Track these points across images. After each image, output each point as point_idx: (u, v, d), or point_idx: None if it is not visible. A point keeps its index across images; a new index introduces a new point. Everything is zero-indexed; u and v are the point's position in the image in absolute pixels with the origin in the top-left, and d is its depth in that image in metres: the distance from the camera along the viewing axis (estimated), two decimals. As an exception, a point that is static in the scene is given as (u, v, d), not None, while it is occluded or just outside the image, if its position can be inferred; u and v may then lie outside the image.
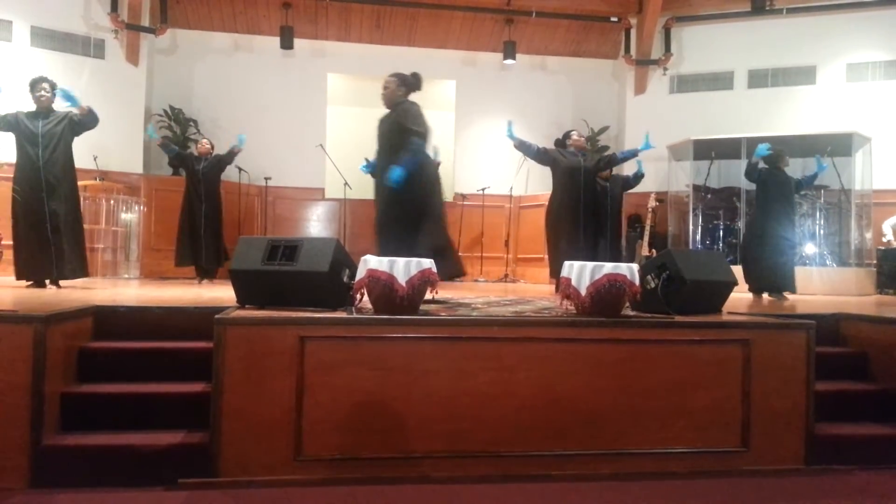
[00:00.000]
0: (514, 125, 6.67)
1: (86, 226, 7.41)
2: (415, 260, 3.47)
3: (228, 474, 3.06)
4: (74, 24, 8.52)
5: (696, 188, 9.06)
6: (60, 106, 5.58)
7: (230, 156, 7.67)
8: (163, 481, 2.99)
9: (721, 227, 8.98)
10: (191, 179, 7.55)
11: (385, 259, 3.42)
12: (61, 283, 5.55)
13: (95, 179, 7.84)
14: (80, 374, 3.45)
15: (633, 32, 9.91)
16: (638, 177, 7.70)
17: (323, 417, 3.16)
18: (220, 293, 5.28)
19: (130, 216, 8.46)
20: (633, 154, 6.88)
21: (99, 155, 7.91)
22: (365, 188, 8.41)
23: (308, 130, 9.56)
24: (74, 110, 5.50)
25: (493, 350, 3.30)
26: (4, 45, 8.01)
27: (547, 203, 6.94)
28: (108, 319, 3.73)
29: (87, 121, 5.57)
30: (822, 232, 8.60)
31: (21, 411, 3.00)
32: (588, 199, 6.57)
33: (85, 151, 6.20)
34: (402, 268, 3.38)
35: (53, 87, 5.52)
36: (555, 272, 6.63)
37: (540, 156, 6.74)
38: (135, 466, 3.04)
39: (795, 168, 8.59)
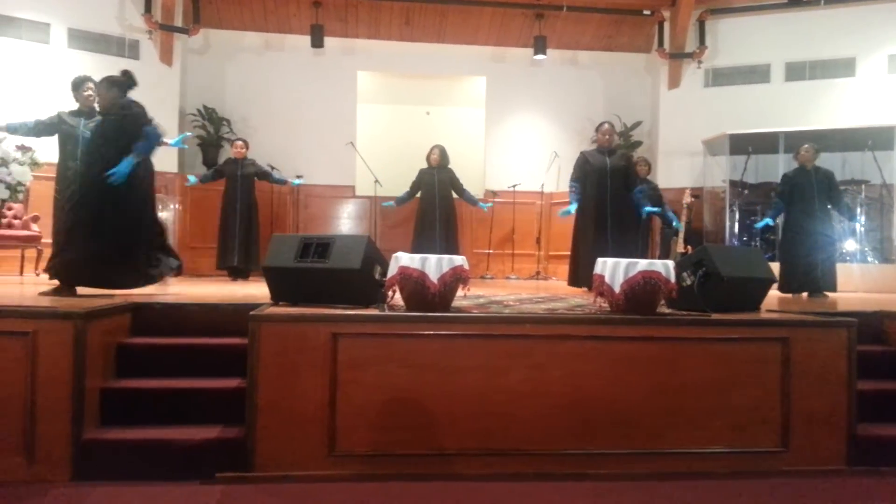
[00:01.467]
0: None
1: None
2: (447, 257, 3.47)
3: (263, 469, 3.10)
4: (110, 26, 8.67)
5: (733, 183, 8.90)
6: None
7: (272, 178, 8.00)
8: (200, 475, 3.03)
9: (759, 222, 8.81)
10: (229, 183, 7.71)
11: (417, 256, 3.42)
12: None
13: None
14: (118, 369, 3.52)
15: (666, 25, 9.75)
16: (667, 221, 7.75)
17: (355, 413, 3.17)
18: (254, 290, 5.34)
19: (166, 215, 8.60)
20: (638, 209, 6.51)
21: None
22: (395, 186, 8.47)
23: (338, 128, 9.61)
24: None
25: (525, 347, 3.28)
26: (43, 48, 8.18)
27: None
28: (145, 316, 3.80)
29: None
30: (863, 228, 8.38)
31: (63, 406, 3.07)
32: (614, 200, 6.36)
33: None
34: (434, 265, 3.37)
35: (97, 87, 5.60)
36: (573, 279, 6.54)
37: (580, 179, 6.54)
38: (172, 460, 3.09)
39: (835, 162, 8.43)
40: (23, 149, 7.04)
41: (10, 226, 6.88)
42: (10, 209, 6.96)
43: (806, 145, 6.53)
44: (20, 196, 7.02)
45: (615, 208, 6.35)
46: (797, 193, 6.38)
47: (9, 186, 6.75)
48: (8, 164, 6.72)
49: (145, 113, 4.57)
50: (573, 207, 6.53)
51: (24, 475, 3.02)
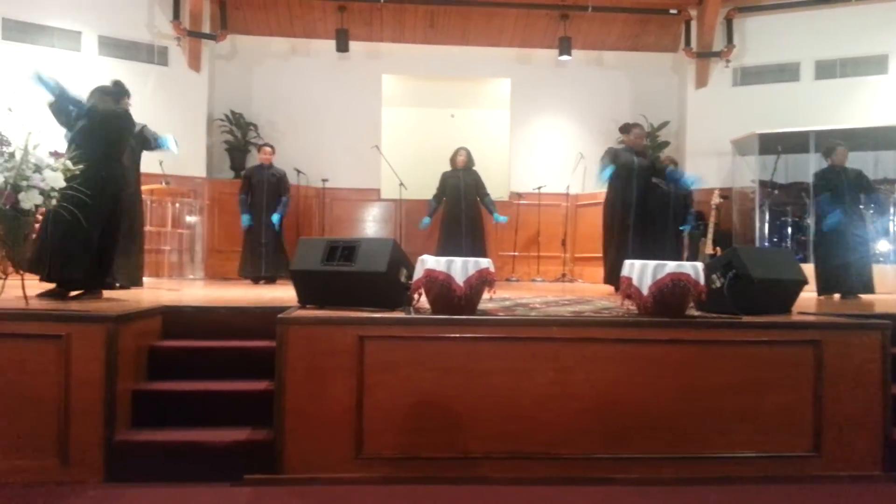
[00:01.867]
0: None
1: (153, 228, 7.69)
2: (472, 260, 3.46)
3: (292, 471, 3.12)
4: (139, 33, 8.81)
5: (763, 184, 8.77)
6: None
7: (286, 198, 7.76)
8: (229, 477, 3.06)
9: (789, 223, 8.68)
10: (255, 189, 7.66)
11: (443, 259, 3.43)
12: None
13: (161, 184, 8.09)
14: (150, 372, 3.57)
15: (693, 24, 9.65)
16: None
17: (382, 416, 3.18)
18: (282, 293, 5.38)
19: (194, 219, 8.71)
20: (683, 185, 6.52)
21: (164, 159, 8.16)
22: (420, 189, 8.48)
23: (364, 132, 9.65)
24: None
25: (551, 350, 3.27)
26: (74, 55, 8.34)
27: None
28: (175, 319, 3.85)
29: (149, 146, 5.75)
30: (896, 228, 8.21)
31: (95, 408, 3.12)
32: (640, 200, 6.31)
33: (151, 157, 6.40)
34: (460, 268, 3.37)
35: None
36: (607, 277, 6.52)
37: (611, 165, 6.45)
38: (202, 462, 3.13)
39: (867, 162, 8.26)
40: (56, 155, 7.18)
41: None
42: (42, 214, 7.09)
43: (841, 146, 6.41)
44: (53, 202, 7.14)
45: (640, 210, 6.31)
46: (831, 193, 6.27)
47: (42, 192, 6.87)
48: (42, 171, 6.85)
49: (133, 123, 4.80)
50: (609, 171, 6.35)
51: (58, 476, 3.07)
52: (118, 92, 4.77)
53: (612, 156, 6.52)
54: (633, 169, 6.35)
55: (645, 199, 6.38)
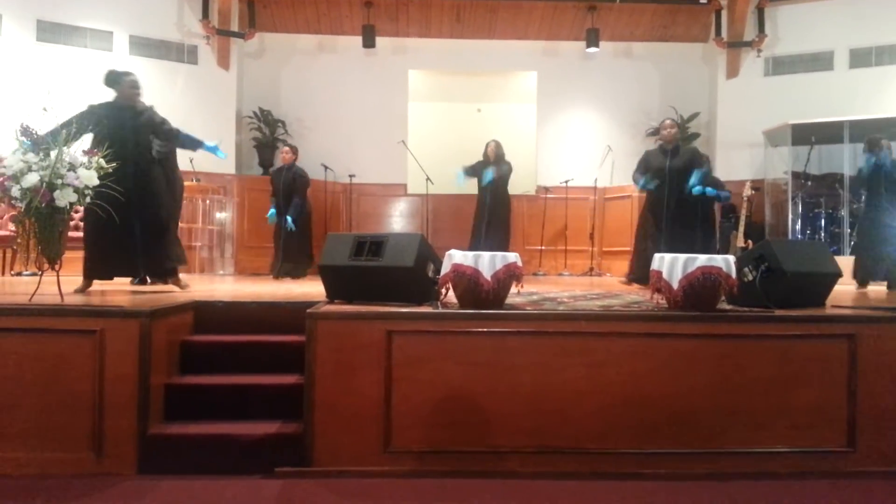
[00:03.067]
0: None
1: (185, 225, 7.79)
2: (500, 254, 3.46)
3: (321, 464, 3.15)
4: (169, 32, 8.93)
5: (796, 175, 8.60)
6: (161, 110, 5.82)
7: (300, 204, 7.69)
8: (259, 469, 3.11)
9: (822, 215, 8.51)
10: (276, 194, 7.68)
11: (470, 253, 3.42)
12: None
13: (192, 181, 8.20)
14: (182, 365, 3.63)
15: (723, 14, 9.49)
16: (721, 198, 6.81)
17: (410, 410, 3.20)
18: (310, 288, 5.43)
19: (224, 215, 8.81)
20: (715, 195, 6.26)
21: (194, 157, 8.26)
22: (447, 184, 8.47)
23: (390, 127, 9.68)
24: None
25: (580, 345, 3.25)
26: (106, 55, 8.49)
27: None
28: (207, 314, 3.91)
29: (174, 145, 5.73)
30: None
31: (129, 402, 3.18)
32: (672, 202, 6.10)
33: (182, 154, 6.48)
34: (488, 262, 3.37)
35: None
36: (631, 276, 6.44)
37: (645, 175, 6.33)
38: (233, 455, 3.17)
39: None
40: (89, 154, 7.30)
41: (76, 227, 7.15)
42: (76, 212, 7.21)
43: (880, 138, 6.27)
44: (87, 200, 7.26)
45: (672, 213, 6.12)
46: (870, 184, 6.19)
47: (76, 190, 6.98)
48: (76, 169, 6.97)
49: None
50: (644, 182, 6.24)
51: (93, 468, 3.14)
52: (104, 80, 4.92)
53: (644, 163, 6.39)
54: (664, 172, 6.22)
55: (679, 202, 6.12)
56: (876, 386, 3.27)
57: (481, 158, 8.00)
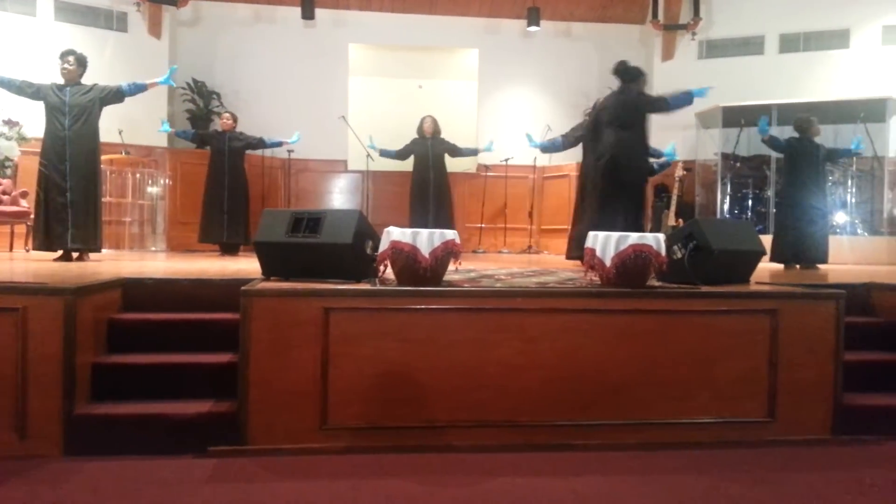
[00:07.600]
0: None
1: (112, 199, 7.54)
2: (438, 231, 3.46)
3: (256, 442, 3.12)
4: (97, -2, 8.54)
5: (725, 156, 8.89)
6: (88, 78, 5.62)
7: (266, 144, 7.83)
8: (192, 449, 3.05)
9: (750, 196, 8.83)
10: (215, 156, 7.59)
11: (408, 231, 3.42)
12: (91, 256, 5.63)
13: (121, 153, 7.90)
14: (109, 345, 3.52)
15: (660, -4, 9.68)
16: (664, 166, 6.95)
17: (347, 387, 3.19)
18: (245, 265, 5.33)
19: (156, 189, 8.54)
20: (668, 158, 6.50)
21: (124, 129, 7.96)
22: (387, 160, 8.42)
23: (330, 102, 9.54)
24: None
25: (516, 321, 3.30)
26: (29, 20, 8.05)
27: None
28: (136, 291, 3.79)
29: (119, 97, 5.67)
30: (853, 200, 8.41)
31: (53, 382, 3.07)
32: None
33: (110, 126, 6.25)
34: (426, 239, 3.37)
35: (81, 60, 5.57)
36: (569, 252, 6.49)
37: (569, 143, 6.48)
38: (164, 435, 3.10)
39: (827, 135, 8.38)
40: (10, 123, 6.96)
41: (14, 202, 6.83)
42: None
43: (812, 118, 6.50)
44: (8, 172, 6.95)
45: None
46: (796, 163, 6.38)
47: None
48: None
49: None
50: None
51: (16, 450, 3.02)
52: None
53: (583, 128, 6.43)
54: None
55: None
56: (795, 359, 3.42)
57: (416, 135, 7.97)
